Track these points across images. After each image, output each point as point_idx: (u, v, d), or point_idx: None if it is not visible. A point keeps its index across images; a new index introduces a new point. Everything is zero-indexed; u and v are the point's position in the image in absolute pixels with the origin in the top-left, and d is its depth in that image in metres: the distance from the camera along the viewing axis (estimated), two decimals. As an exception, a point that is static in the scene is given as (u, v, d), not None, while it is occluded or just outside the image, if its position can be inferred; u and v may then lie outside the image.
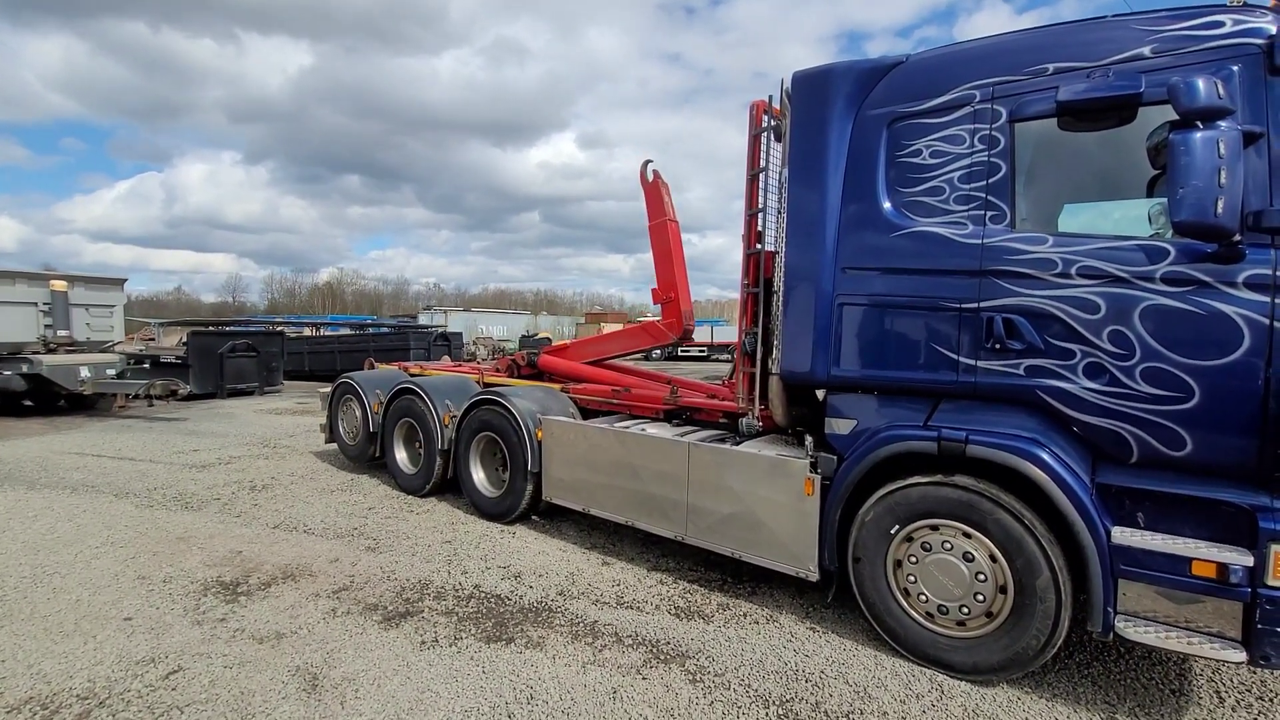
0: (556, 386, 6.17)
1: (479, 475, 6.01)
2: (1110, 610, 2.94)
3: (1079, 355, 3.07)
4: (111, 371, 12.44)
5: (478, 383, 6.78)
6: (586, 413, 5.79)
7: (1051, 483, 3.02)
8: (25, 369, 11.61)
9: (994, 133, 3.30)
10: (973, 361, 3.33)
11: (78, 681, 3.24)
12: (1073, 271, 3.06)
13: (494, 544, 5.25)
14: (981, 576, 3.25)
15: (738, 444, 4.36)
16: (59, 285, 12.68)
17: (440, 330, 25.47)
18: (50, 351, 12.22)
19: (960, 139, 3.40)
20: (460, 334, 25.17)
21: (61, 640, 3.64)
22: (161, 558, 4.90)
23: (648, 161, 5.97)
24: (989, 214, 3.30)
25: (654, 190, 5.87)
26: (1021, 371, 3.21)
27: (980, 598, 3.26)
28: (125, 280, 15.00)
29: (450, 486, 6.46)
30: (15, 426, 11.09)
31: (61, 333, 12.55)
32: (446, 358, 16.68)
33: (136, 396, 12.09)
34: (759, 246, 4.33)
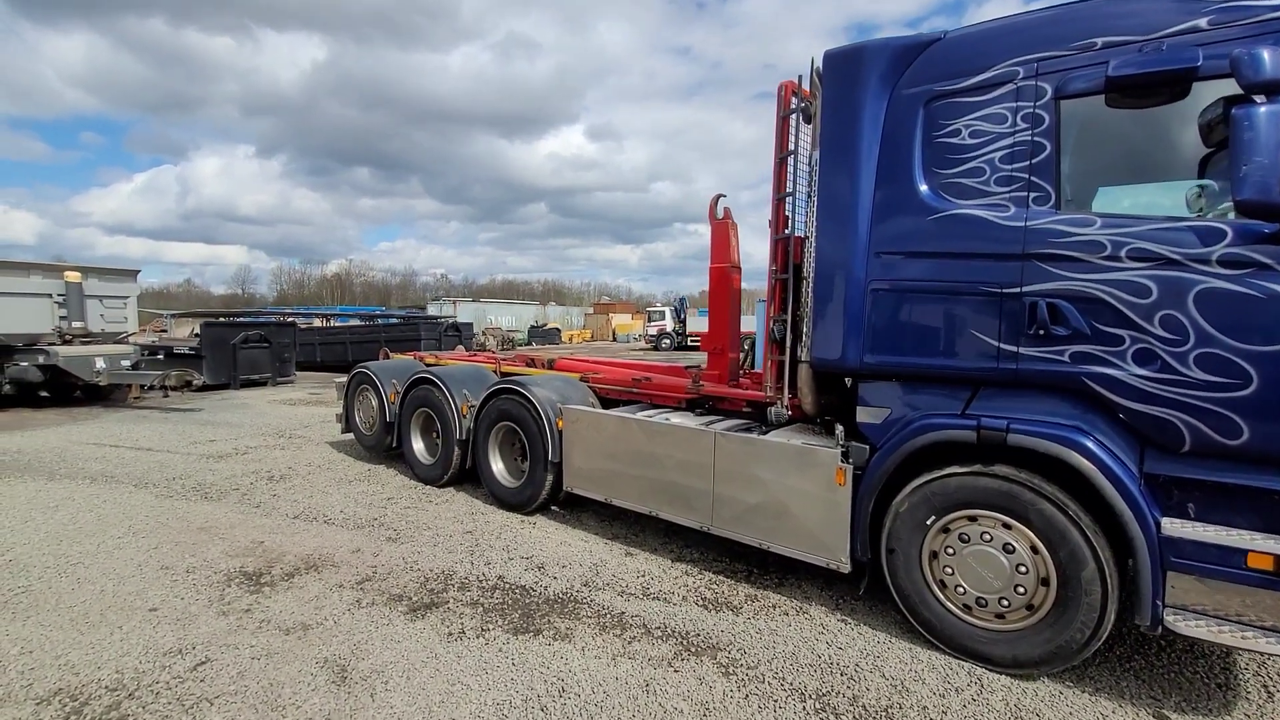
0: (575, 376, 6.12)
1: (498, 465, 5.97)
2: (1159, 603, 2.86)
3: (1129, 341, 2.96)
4: (126, 362, 12.46)
5: (495, 372, 6.72)
6: (606, 402, 5.73)
7: (1098, 472, 2.93)
8: (42, 360, 11.68)
9: (1038, 110, 3.18)
10: (1014, 348, 3.23)
11: (106, 673, 3.22)
12: (1122, 254, 2.94)
13: (515, 534, 5.21)
14: (1022, 568, 3.17)
15: (764, 433, 4.29)
16: (73, 276, 12.71)
17: (451, 320, 25.48)
18: (66, 343, 12.27)
19: (1002, 118, 3.28)
20: (470, 324, 25.17)
21: (88, 631, 3.63)
22: (184, 548, 4.89)
23: (720, 196, 5.50)
24: (1032, 195, 3.19)
25: (722, 230, 5.45)
26: (1067, 358, 3.10)
27: (1021, 590, 3.18)
28: (139, 271, 15.09)
29: (468, 476, 6.42)
30: (33, 417, 11.16)
31: (76, 324, 12.60)
32: (460, 348, 16.68)
33: (152, 387, 12.14)
34: (787, 232, 4.23)
